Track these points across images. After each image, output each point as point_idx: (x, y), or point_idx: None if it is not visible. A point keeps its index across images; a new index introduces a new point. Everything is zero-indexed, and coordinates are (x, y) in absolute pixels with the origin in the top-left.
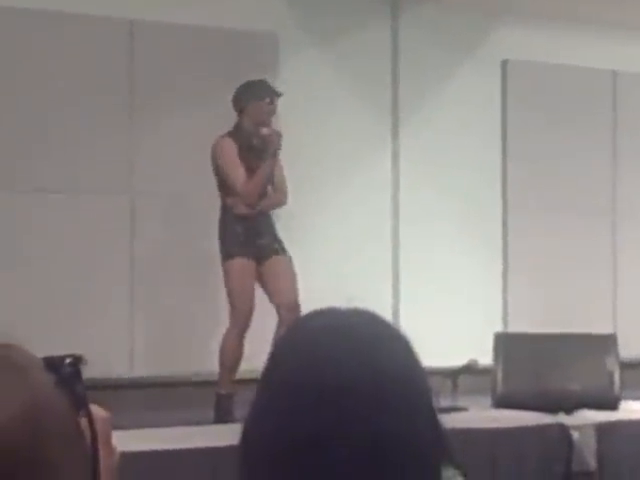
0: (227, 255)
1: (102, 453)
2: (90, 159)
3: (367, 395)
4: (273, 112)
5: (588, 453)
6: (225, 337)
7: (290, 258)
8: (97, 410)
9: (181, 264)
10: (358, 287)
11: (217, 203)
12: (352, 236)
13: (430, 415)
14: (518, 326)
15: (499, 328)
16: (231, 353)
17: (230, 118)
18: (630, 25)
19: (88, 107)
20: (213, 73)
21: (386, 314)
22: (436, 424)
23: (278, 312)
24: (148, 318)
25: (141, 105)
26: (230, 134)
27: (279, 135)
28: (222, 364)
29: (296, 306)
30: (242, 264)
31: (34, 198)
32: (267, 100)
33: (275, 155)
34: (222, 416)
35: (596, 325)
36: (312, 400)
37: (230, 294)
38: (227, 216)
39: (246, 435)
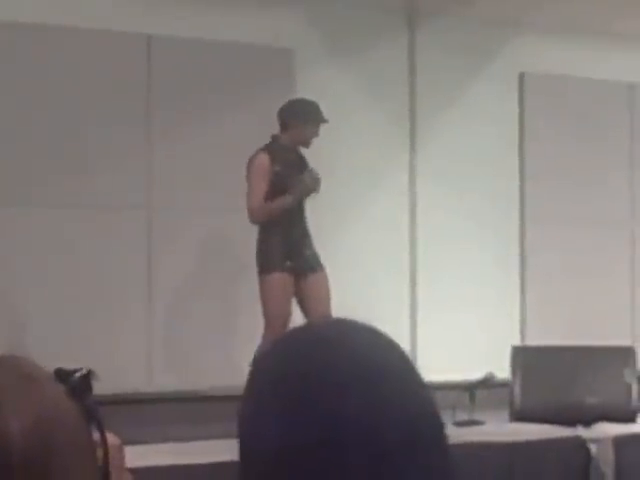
0: (265, 269)
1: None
2: (107, 174)
3: (357, 413)
4: (315, 136)
5: (606, 466)
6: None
7: (326, 274)
8: (110, 438)
9: (198, 278)
10: (375, 301)
11: (234, 217)
12: (369, 249)
13: (435, 421)
14: (535, 339)
15: (516, 341)
16: None
17: (247, 133)
18: None
19: (105, 121)
20: (230, 88)
21: (403, 329)
22: (442, 432)
23: None
24: (166, 332)
25: (158, 119)
26: (267, 148)
27: (319, 182)
28: None
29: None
30: (280, 279)
31: (52, 213)
32: (315, 126)
33: (304, 197)
34: None
35: (614, 338)
36: (302, 418)
37: (265, 310)
38: (265, 230)
39: (247, 444)
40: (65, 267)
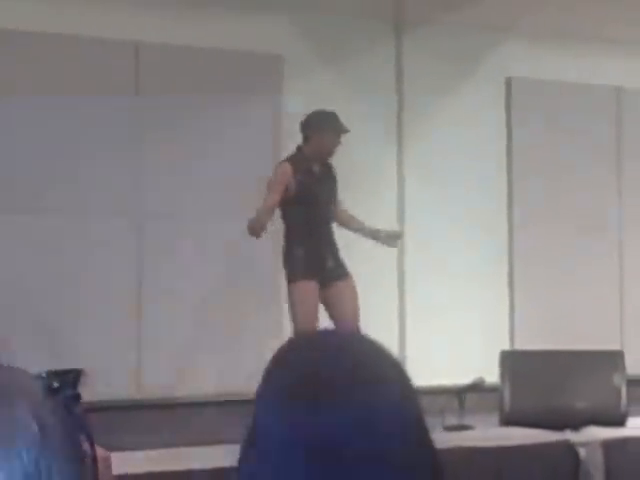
0: (290, 278)
1: None
2: (98, 181)
3: (358, 427)
4: (336, 146)
5: (595, 470)
6: None
7: (353, 280)
8: (98, 450)
9: (188, 284)
10: (364, 306)
11: (223, 223)
12: (358, 254)
13: (426, 444)
14: (525, 344)
15: (506, 346)
16: None
17: (236, 139)
18: (634, 41)
19: (95, 129)
20: (219, 95)
21: (392, 333)
22: (432, 453)
23: None
24: (155, 339)
25: (148, 126)
26: (290, 159)
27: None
28: None
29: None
30: (305, 288)
31: (43, 219)
32: (334, 135)
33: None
34: None
35: (603, 342)
36: (305, 431)
37: (293, 318)
38: (289, 239)
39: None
40: (55, 273)
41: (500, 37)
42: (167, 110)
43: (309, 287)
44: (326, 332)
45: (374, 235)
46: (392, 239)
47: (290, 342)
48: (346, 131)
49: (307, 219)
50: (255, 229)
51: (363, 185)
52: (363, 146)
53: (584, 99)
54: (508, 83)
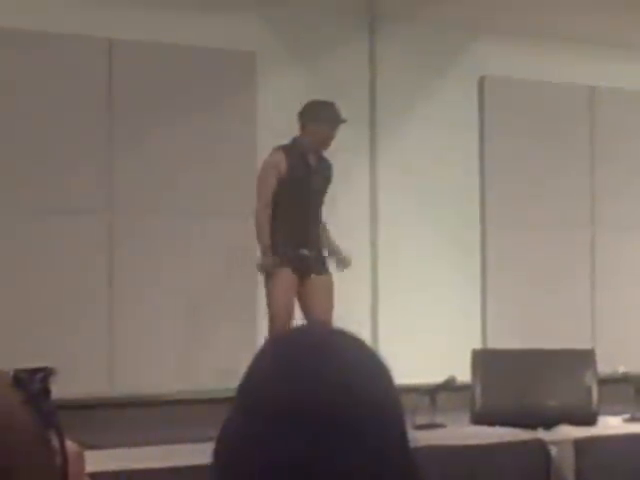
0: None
1: None
2: (69, 176)
3: (343, 426)
4: (333, 137)
5: (566, 468)
6: None
7: (331, 277)
8: (69, 445)
9: (160, 280)
10: (337, 304)
11: (195, 219)
12: None
13: (403, 446)
14: (497, 343)
15: (478, 345)
16: None
17: (209, 135)
18: (606, 41)
19: (67, 126)
20: (191, 92)
21: (365, 331)
22: (408, 455)
23: None
24: (128, 336)
25: (120, 123)
26: (284, 148)
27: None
28: None
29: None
30: (284, 276)
31: (14, 217)
32: (329, 126)
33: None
34: None
35: (574, 341)
36: (288, 427)
37: (269, 304)
38: (276, 222)
39: (220, 456)
40: (26, 270)
41: (474, 36)
42: (139, 107)
43: (288, 276)
44: (308, 328)
45: (335, 252)
46: (344, 264)
47: (272, 339)
48: (343, 121)
49: (298, 205)
50: (256, 223)
51: (334, 184)
52: (334, 144)
53: (557, 98)
54: (481, 82)
